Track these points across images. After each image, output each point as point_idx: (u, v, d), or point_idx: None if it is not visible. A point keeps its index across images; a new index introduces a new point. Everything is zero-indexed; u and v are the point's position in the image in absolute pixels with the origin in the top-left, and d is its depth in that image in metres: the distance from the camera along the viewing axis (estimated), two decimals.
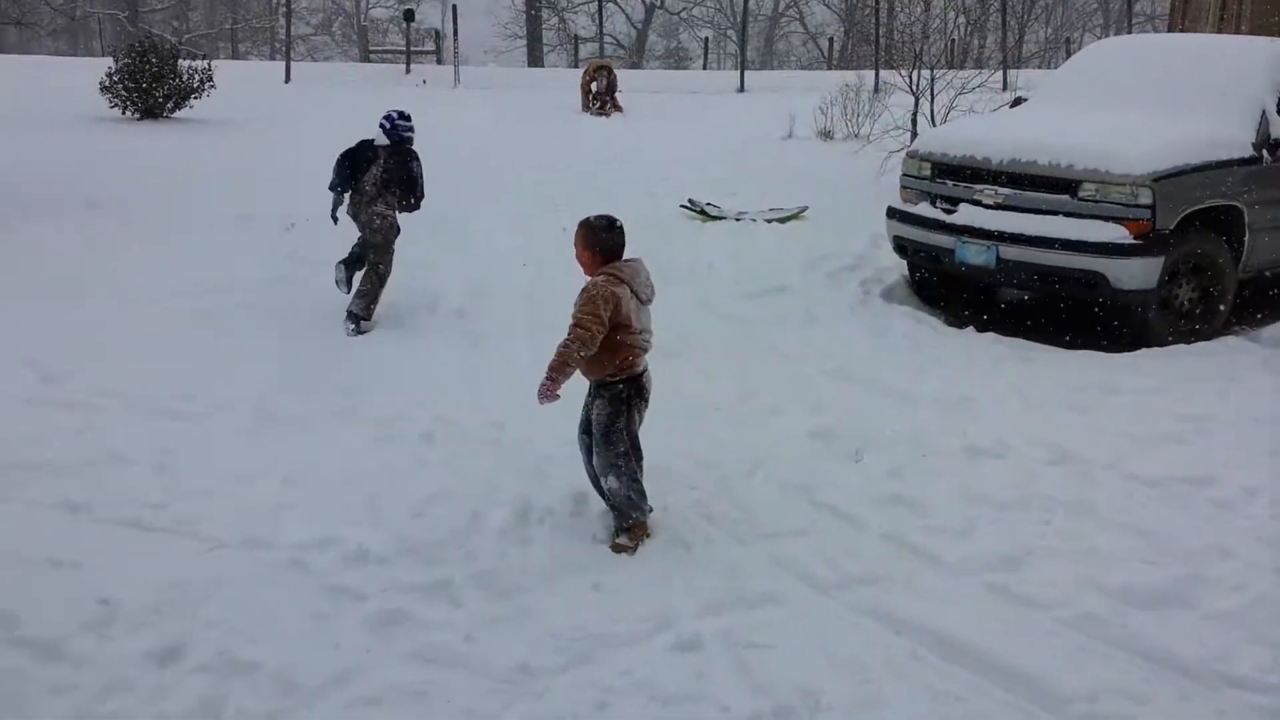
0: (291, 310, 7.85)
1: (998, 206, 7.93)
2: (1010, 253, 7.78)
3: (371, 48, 34.58)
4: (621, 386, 4.79)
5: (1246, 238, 7.83)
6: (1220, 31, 11.72)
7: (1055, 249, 7.58)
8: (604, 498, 4.95)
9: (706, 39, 37.78)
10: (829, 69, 32.55)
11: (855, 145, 14.35)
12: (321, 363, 6.93)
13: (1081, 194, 7.57)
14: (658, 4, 45.73)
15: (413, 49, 28.17)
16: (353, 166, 7.68)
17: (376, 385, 6.59)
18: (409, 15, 28.35)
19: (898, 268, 9.18)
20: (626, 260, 4.79)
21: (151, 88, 15.56)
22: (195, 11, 45.21)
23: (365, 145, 7.71)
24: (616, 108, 19.99)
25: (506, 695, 3.79)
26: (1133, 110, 8.18)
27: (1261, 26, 11.35)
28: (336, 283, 7.73)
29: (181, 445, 5.61)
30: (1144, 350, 7.47)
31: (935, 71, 14.01)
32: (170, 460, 5.44)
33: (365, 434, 5.90)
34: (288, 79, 22.83)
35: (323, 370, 6.79)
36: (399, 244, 7.83)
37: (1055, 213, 7.65)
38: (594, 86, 20.12)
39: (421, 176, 7.78)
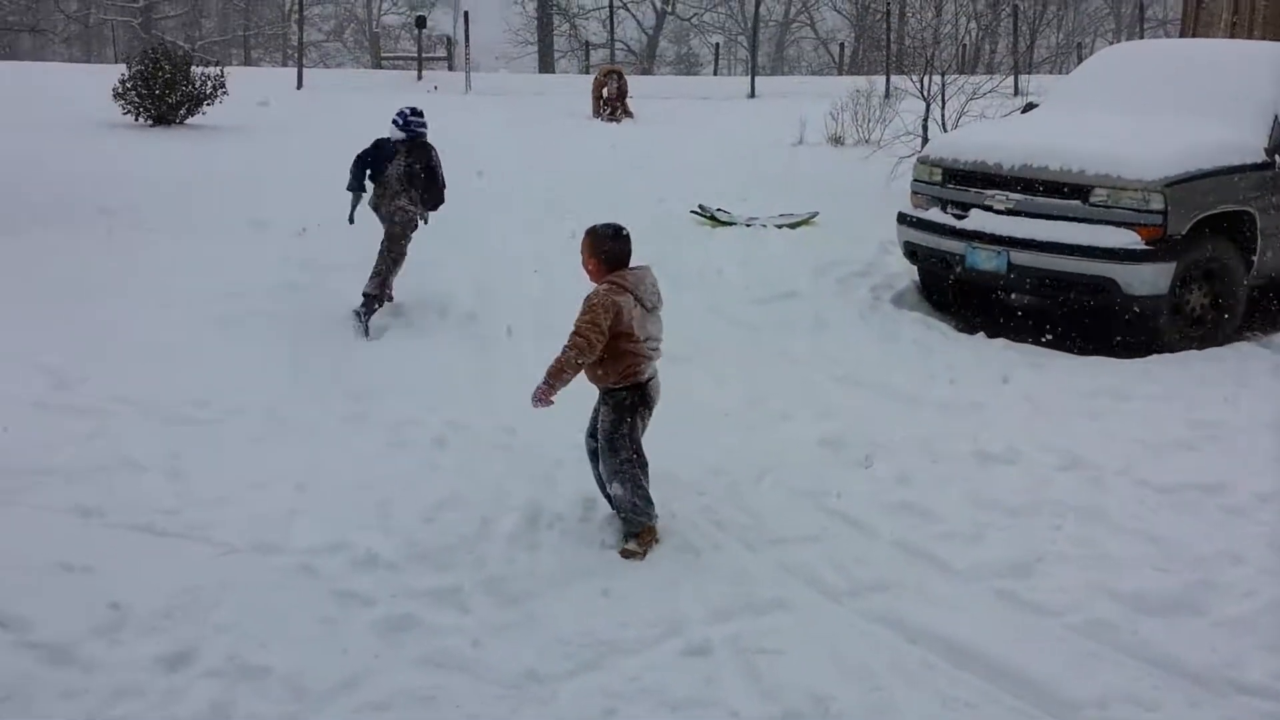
0: (303, 315, 7.87)
1: (1009, 212, 7.91)
2: (1021, 258, 7.77)
3: (383, 54, 34.68)
4: (625, 394, 4.80)
5: (1259, 243, 7.81)
6: (1232, 36, 11.67)
7: (1066, 254, 7.57)
8: (611, 504, 4.97)
9: (717, 45, 37.86)
10: (840, 74, 32.52)
11: (866, 151, 14.33)
12: (333, 367, 6.95)
13: (1093, 199, 7.56)
14: (669, 10, 45.75)
15: (424, 55, 28.22)
16: (374, 163, 7.85)
17: (388, 390, 6.60)
18: (420, 21, 28.43)
19: (908, 273, 9.17)
20: (632, 268, 4.80)
21: (164, 94, 15.61)
22: (208, 18, 45.37)
23: (383, 142, 7.90)
24: (627, 113, 20.00)
25: (514, 701, 3.80)
26: (1144, 115, 8.16)
27: (1274, 31, 11.31)
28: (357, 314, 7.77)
29: (193, 450, 5.63)
30: (1155, 356, 7.45)
31: (946, 77, 14.00)
32: (182, 465, 5.45)
33: (377, 439, 5.91)
34: (299, 85, 22.91)
35: (334, 375, 6.81)
36: (410, 247, 7.96)
37: (1066, 218, 7.64)
38: (605, 92, 20.13)
39: (441, 168, 7.97)
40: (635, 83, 22.52)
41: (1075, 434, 6.07)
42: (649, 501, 4.84)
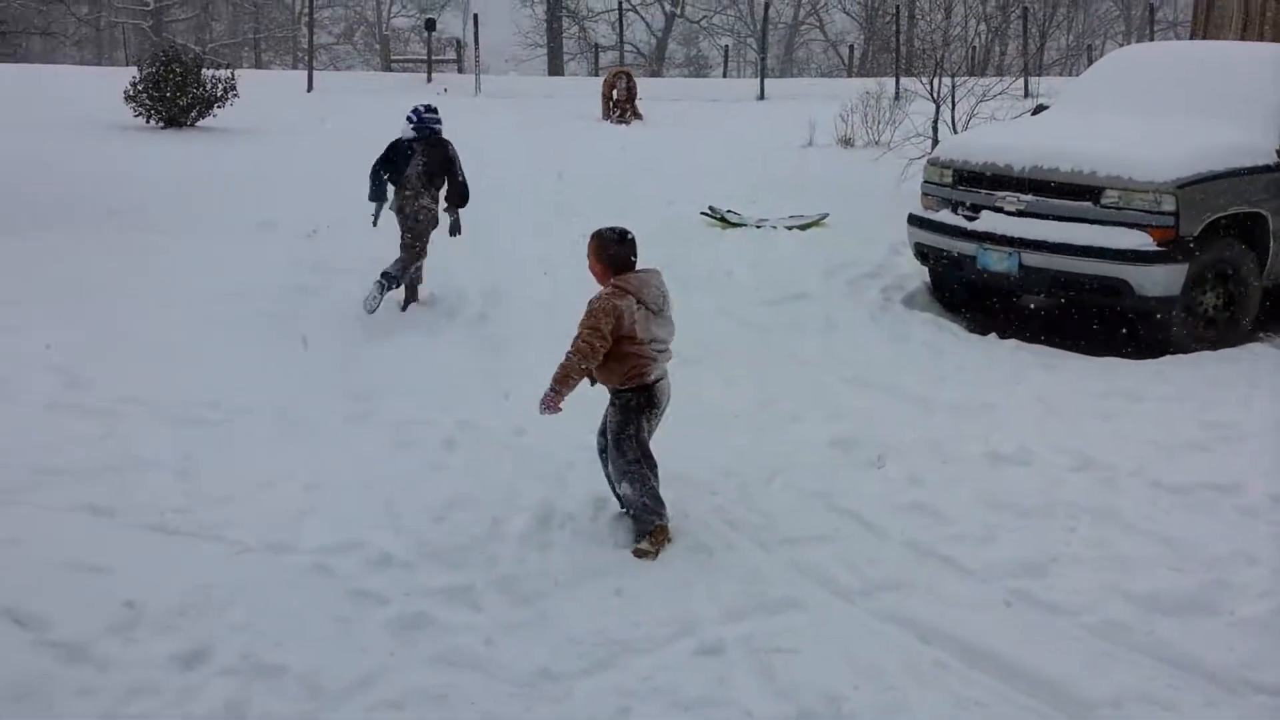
0: (312, 316, 7.88)
1: (1020, 213, 7.91)
2: (1033, 259, 7.76)
3: (393, 57, 34.76)
4: (631, 395, 4.82)
5: (1271, 245, 7.79)
6: (1244, 38, 11.65)
7: (1078, 256, 7.56)
8: (621, 504, 4.99)
9: (726, 47, 37.86)
10: (849, 76, 32.54)
11: (876, 153, 14.33)
12: (343, 368, 6.96)
13: (1104, 201, 7.55)
14: (678, 12, 45.79)
15: (434, 58, 28.26)
16: (393, 164, 7.95)
17: (398, 390, 6.61)
18: (430, 24, 28.48)
19: (918, 275, 9.16)
20: (637, 271, 4.83)
21: (175, 97, 15.67)
22: (218, 21, 45.50)
23: (398, 143, 7.97)
24: (636, 115, 20.02)
25: (527, 699, 3.80)
26: (1155, 117, 8.15)
27: None
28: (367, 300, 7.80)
29: (204, 450, 5.64)
30: (1168, 357, 7.44)
31: (956, 79, 13.98)
32: (193, 465, 5.47)
33: (387, 439, 5.92)
34: (310, 88, 22.95)
35: (344, 376, 6.82)
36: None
37: (1078, 220, 7.63)
38: (614, 94, 20.14)
39: (459, 160, 8.06)
40: (644, 85, 22.54)
41: (1088, 435, 6.06)
42: (659, 501, 4.84)
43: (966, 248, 8.15)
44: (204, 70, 16.36)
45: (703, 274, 9.11)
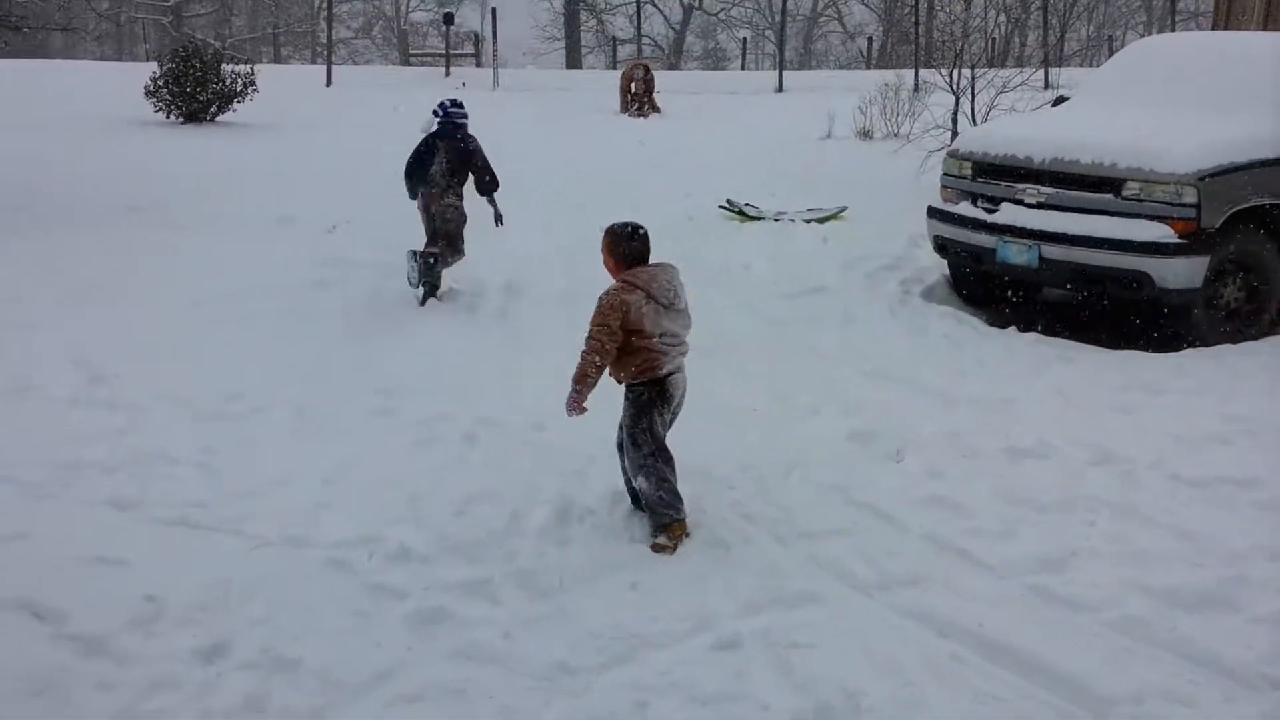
0: (332, 312, 7.91)
1: (1040, 206, 7.87)
2: (1053, 252, 7.72)
3: (411, 51, 34.83)
4: (643, 389, 4.83)
5: None
6: (1266, 29, 11.57)
7: (1099, 248, 7.52)
8: (632, 500, 5.02)
9: (744, 39, 37.77)
10: (868, 68, 32.43)
11: (895, 145, 14.29)
12: (363, 363, 6.98)
13: (1125, 193, 7.50)
14: (696, 5, 45.70)
15: (452, 52, 28.31)
16: (422, 162, 8.00)
17: (416, 385, 6.63)
18: (449, 18, 28.52)
19: (938, 267, 9.13)
20: (648, 265, 4.83)
21: (195, 92, 15.74)
22: (238, 16, 45.65)
23: (426, 143, 8.01)
24: (654, 109, 20.00)
25: (545, 693, 3.81)
26: (1177, 109, 8.09)
27: None
28: (410, 276, 7.94)
29: (224, 445, 5.67)
30: (1188, 350, 7.39)
31: (976, 70, 13.93)
32: (214, 460, 5.50)
33: (406, 434, 5.94)
34: (329, 83, 23.01)
35: (364, 371, 6.84)
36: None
37: (1098, 212, 7.58)
38: (633, 87, 20.12)
39: (479, 151, 8.09)
40: (662, 78, 22.53)
41: (1108, 428, 6.03)
42: (676, 495, 4.84)
43: (986, 240, 8.12)
44: (224, 65, 16.42)
45: (721, 268, 9.10)
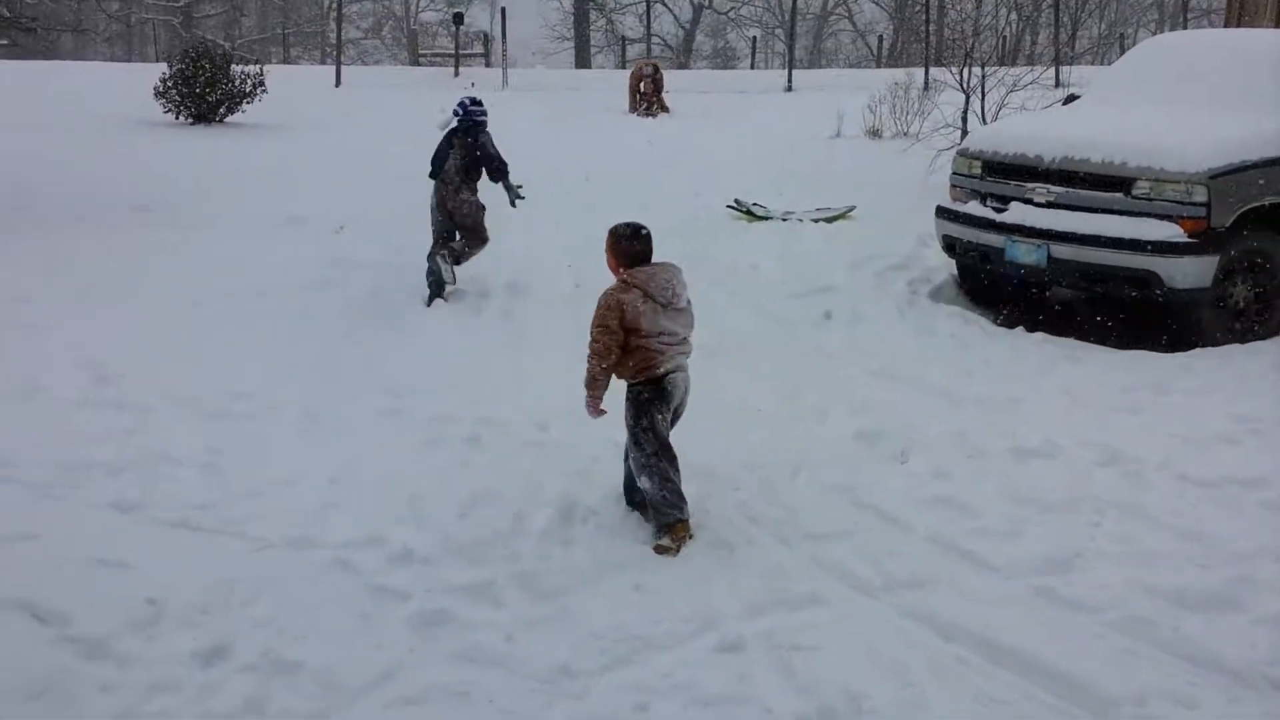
0: (339, 311, 7.91)
1: (1049, 205, 7.83)
2: (1062, 251, 7.69)
3: (421, 51, 34.83)
4: (642, 388, 4.84)
5: None
6: (1278, 26, 11.50)
7: (1108, 248, 7.48)
8: (630, 499, 5.02)
9: (754, 38, 37.69)
10: (878, 67, 32.35)
11: (904, 144, 14.25)
12: (369, 364, 6.98)
13: (1135, 192, 7.47)
14: (705, 4, 45.66)
15: (461, 52, 28.33)
16: (440, 161, 8.19)
17: (421, 386, 6.62)
18: (458, 18, 28.53)
19: (946, 267, 9.10)
20: (648, 265, 4.83)
21: (204, 93, 15.77)
22: (247, 17, 45.74)
23: (446, 139, 8.23)
24: (663, 108, 19.97)
25: (547, 696, 3.80)
26: (1188, 107, 8.05)
27: None
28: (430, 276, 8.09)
29: (230, 446, 5.66)
30: (1196, 350, 7.35)
31: (986, 69, 13.88)
32: (219, 461, 5.49)
33: (410, 435, 5.93)
34: (338, 83, 23.04)
35: (370, 371, 6.84)
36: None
37: (1108, 211, 7.55)
38: (642, 86, 20.10)
39: (489, 143, 8.22)
40: (672, 77, 22.51)
41: (1114, 428, 6.00)
42: (679, 495, 4.82)
43: (995, 240, 8.08)
44: (233, 66, 16.44)
45: (728, 267, 9.09)
